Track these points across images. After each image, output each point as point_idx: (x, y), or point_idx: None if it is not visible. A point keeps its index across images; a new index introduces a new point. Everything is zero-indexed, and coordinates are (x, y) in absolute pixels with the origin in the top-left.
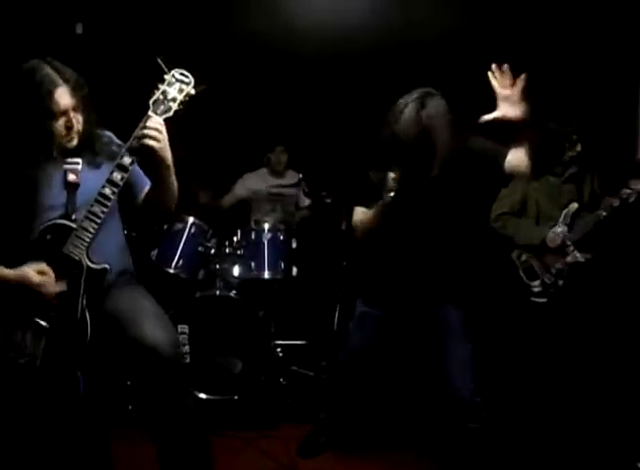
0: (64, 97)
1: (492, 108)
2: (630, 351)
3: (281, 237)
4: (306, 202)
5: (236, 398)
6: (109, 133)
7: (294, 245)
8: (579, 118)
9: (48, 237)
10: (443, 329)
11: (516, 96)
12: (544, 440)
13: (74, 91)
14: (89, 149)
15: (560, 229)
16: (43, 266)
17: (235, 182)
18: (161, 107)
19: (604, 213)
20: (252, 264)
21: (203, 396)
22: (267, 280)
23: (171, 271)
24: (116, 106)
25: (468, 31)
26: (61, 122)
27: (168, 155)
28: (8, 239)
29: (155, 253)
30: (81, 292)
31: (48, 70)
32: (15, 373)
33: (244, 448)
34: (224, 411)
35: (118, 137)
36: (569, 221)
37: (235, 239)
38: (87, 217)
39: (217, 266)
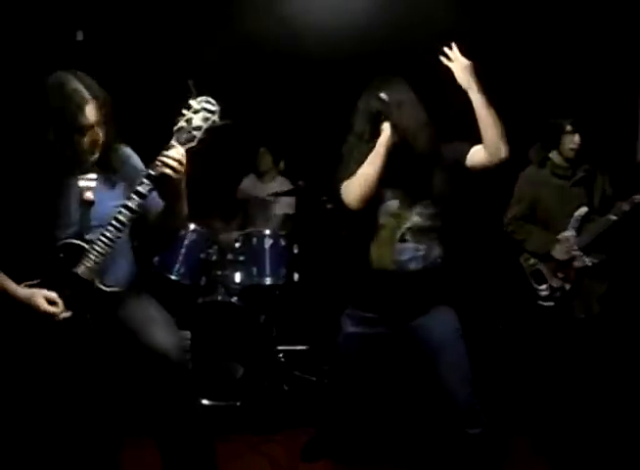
0: (92, 113)
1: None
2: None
3: (282, 243)
4: (289, 208)
5: (238, 403)
6: (128, 150)
7: (295, 251)
8: (579, 115)
9: (61, 255)
10: (436, 336)
11: (465, 64)
12: (548, 444)
13: (101, 107)
14: (106, 163)
15: (569, 233)
16: (54, 295)
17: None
18: (185, 135)
19: (614, 218)
20: (254, 270)
21: (205, 401)
22: (269, 286)
23: (173, 278)
24: (117, 112)
25: (470, 31)
26: (87, 136)
27: (183, 185)
28: (21, 251)
29: (157, 259)
30: (90, 311)
31: (77, 84)
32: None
33: (246, 453)
34: (227, 417)
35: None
36: (577, 225)
37: (236, 245)
38: (101, 240)
39: (219, 273)
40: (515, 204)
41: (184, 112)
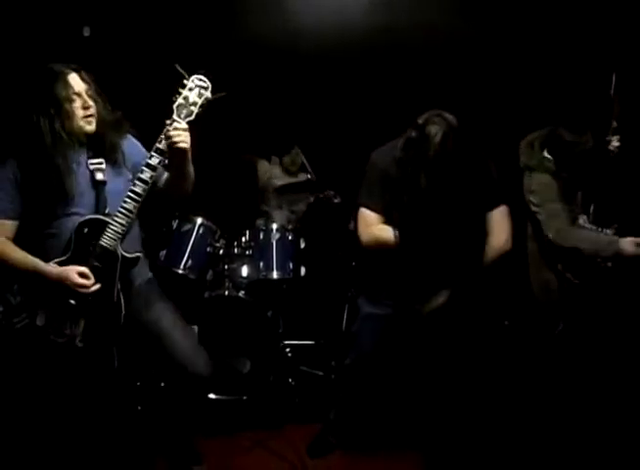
0: (76, 82)
1: (492, 108)
2: None
3: (289, 237)
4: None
5: (245, 398)
6: (133, 140)
7: (302, 245)
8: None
9: (85, 230)
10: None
11: None
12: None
13: (83, 78)
14: (104, 139)
15: (588, 225)
16: (85, 269)
17: None
18: (184, 111)
19: None
20: (261, 265)
21: (212, 396)
22: (276, 280)
23: (180, 272)
24: (124, 108)
25: (472, 32)
26: (78, 104)
27: (189, 153)
28: (31, 221)
29: (163, 253)
30: (117, 278)
31: (58, 65)
32: (55, 352)
33: (253, 448)
34: (233, 411)
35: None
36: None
37: (243, 239)
38: (121, 212)
39: (226, 267)
40: (558, 215)
41: (180, 90)
